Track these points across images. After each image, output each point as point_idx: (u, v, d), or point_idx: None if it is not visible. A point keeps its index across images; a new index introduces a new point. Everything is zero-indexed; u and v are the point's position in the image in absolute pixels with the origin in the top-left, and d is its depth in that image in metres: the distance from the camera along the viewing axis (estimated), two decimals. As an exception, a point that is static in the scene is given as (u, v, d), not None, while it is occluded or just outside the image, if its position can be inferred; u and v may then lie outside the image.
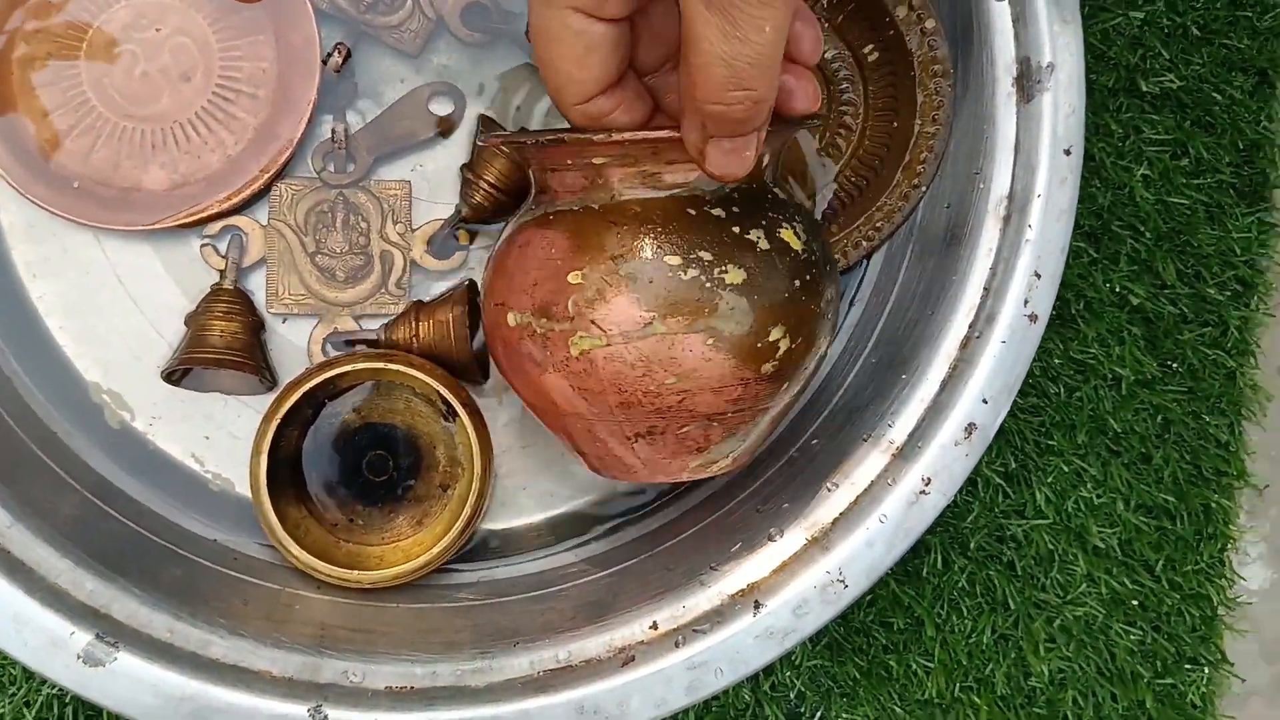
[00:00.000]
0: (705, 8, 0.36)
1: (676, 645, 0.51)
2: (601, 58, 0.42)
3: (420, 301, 0.59)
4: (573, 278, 0.45)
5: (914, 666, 0.62)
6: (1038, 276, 0.53)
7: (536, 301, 0.46)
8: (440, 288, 0.60)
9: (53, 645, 0.49)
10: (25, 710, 0.58)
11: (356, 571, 0.55)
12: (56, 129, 0.58)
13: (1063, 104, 0.54)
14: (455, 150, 0.60)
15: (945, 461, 0.52)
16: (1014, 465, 0.63)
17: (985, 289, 0.54)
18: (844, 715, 0.62)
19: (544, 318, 0.46)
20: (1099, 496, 0.63)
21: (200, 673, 0.50)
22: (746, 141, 0.41)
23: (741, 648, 0.51)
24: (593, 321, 0.45)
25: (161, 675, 0.49)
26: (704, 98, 0.38)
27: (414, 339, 0.58)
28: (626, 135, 0.43)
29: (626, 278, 0.44)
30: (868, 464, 0.53)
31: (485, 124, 0.60)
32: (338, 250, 0.60)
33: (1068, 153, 0.54)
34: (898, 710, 0.62)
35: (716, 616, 0.52)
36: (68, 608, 0.50)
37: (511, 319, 0.47)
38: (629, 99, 0.44)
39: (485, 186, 0.59)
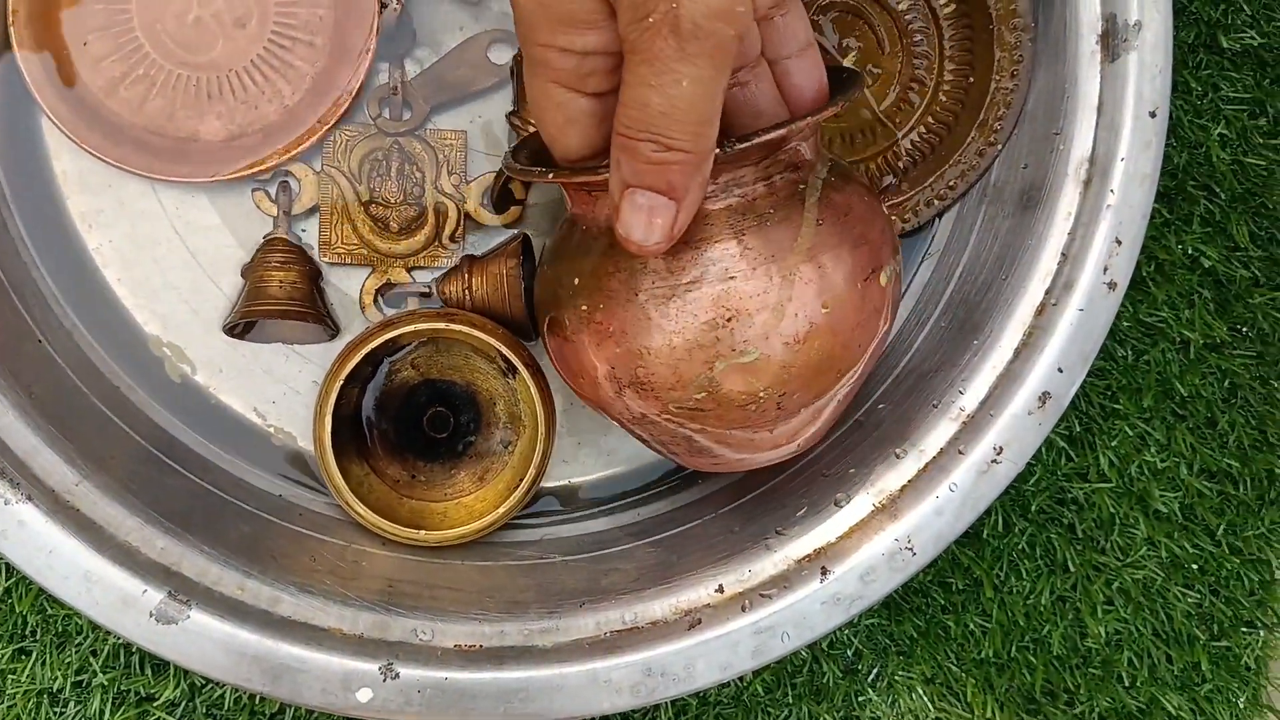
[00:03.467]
0: (632, 53, 0.37)
1: (743, 609, 0.51)
2: (581, 129, 0.42)
3: (472, 256, 0.59)
4: None
5: (971, 626, 0.62)
6: (1118, 243, 0.52)
7: None
8: (495, 243, 0.59)
9: (124, 603, 0.49)
10: (91, 659, 0.59)
11: (423, 531, 0.55)
12: (109, 76, 0.56)
13: (1149, 64, 0.52)
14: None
15: (1017, 431, 0.52)
16: (1078, 429, 0.63)
17: (1063, 254, 0.53)
18: (900, 673, 0.62)
19: None
20: (1162, 461, 0.63)
21: (272, 630, 0.50)
22: (662, 207, 0.39)
23: (808, 613, 0.51)
24: None
25: (234, 633, 0.49)
26: (615, 129, 0.38)
27: (466, 292, 0.57)
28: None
29: None
30: (937, 432, 0.53)
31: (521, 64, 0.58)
32: (391, 200, 0.59)
33: (1153, 115, 0.52)
34: (954, 669, 0.62)
35: (783, 581, 0.52)
36: (138, 565, 0.50)
37: None
38: None
39: (534, 131, 0.57)
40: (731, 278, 0.43)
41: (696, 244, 0.43)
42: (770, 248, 0.43)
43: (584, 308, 0.45)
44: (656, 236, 0.40)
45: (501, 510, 0.55)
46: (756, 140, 0.40)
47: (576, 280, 0.45)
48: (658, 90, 0.37)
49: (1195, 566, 0.64)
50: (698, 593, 0.52)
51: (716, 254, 0.43)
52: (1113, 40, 0.52)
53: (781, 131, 0.41)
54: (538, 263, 0.51)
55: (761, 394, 0.44)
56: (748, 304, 0.43)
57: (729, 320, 0.43)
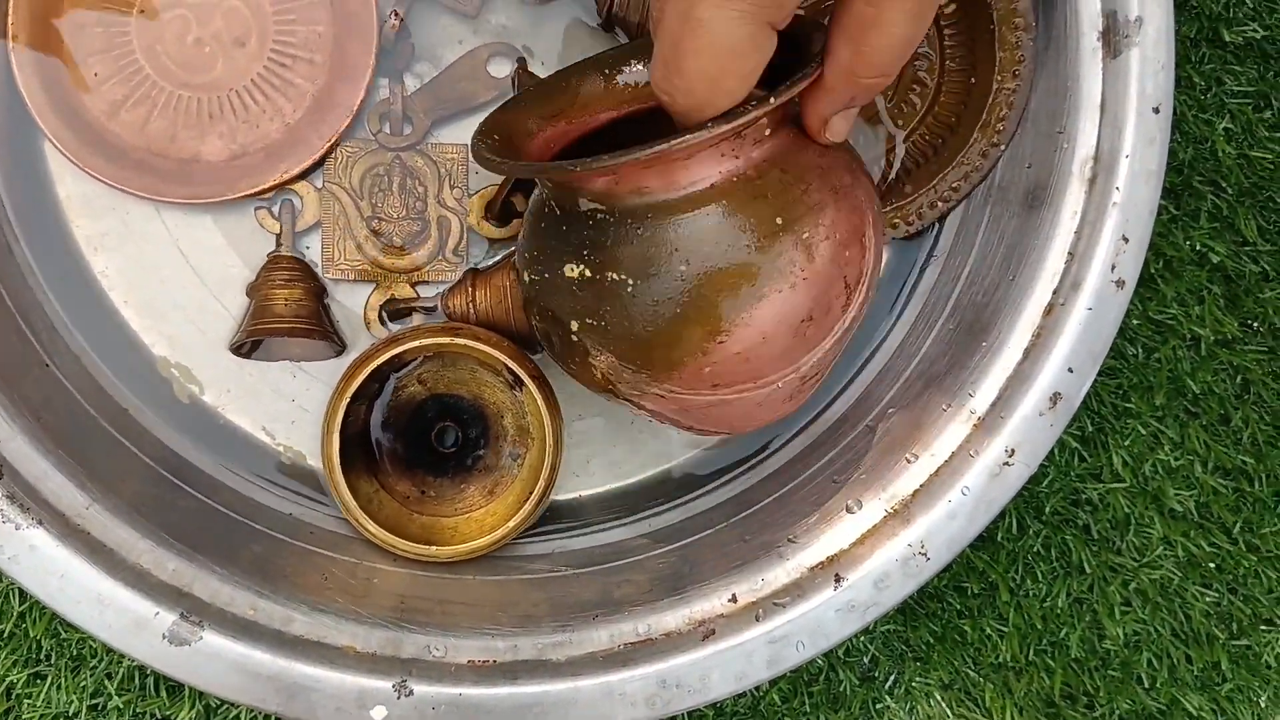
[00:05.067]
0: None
1: (757, 619, 0.51)
2: (760, 68, 0.40)
3: (475, 269, 0.59)
4: None
5: (988, 630, 0.62)
6: (1125, 240, 0.52)
7: None
8: (498, 256, 0.59)
9: (137, 626, 0.49)
10: (107, 682, 0.59)
11: (434, 546, 0.55)
12: (111, 99, 0.57)
13: (1151, 60, 0.52)
14: (516, 113, 0.59)
15: (1029, 432, 0.51)
16: (1090, 429, 0.62)
17: (1070, 254, 0.52)
18: (918, 679, 0.62)
19: None
20: (1176, 459, 0.63)
21: (285, 650, 0.50)
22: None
23: (823, 621, 0.51)
24: None
25: (247, 653, 0.49)
26: (871, 72, 0.40)
27: (470, 306, 0.57)
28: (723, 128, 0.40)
29: None
30: (948, 434, 0.52)
31: (525, 76, 0.58)
32: (394, 215, 0.59)
33: (1156, 111, 0.52)
34: (971, 674, 0.62)
35: (796, 590, 0.52)
36: (150, 588, 0.50)
37: None
38: None
39: (536, 143, 0.57)
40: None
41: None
42: None
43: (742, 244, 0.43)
44: (850, 128, 0.45)
45: (512, 524, 0.55)
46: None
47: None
48: (917, 22, 0.39)
49: (1213, 565, 0.63)
50: (711, 603, 0.52)
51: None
52: (1114, 37, 0.52)
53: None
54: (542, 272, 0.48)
55: None
56: None
57: None
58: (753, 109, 0.40)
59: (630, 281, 0.43)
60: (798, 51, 0.43)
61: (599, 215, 0.44)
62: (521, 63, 0.58)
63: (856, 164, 0.46)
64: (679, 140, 0.40)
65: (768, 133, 0.43)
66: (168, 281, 0.58)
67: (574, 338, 0.46)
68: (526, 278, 0.48)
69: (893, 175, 0.58)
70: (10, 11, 0.55)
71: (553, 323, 0.47)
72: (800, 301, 0.43)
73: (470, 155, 0.59)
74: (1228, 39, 0.62)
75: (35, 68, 0.56)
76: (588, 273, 0.44)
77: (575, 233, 0.45)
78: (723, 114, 0.40)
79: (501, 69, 0.59)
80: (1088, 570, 0.62)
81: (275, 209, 0.58)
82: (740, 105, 0.40)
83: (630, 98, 0.51)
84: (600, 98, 0.51)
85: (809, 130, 0.44)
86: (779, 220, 0.43)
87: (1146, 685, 0.63)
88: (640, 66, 0.51)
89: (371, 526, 0.55)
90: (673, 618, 0.52)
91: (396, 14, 0.57)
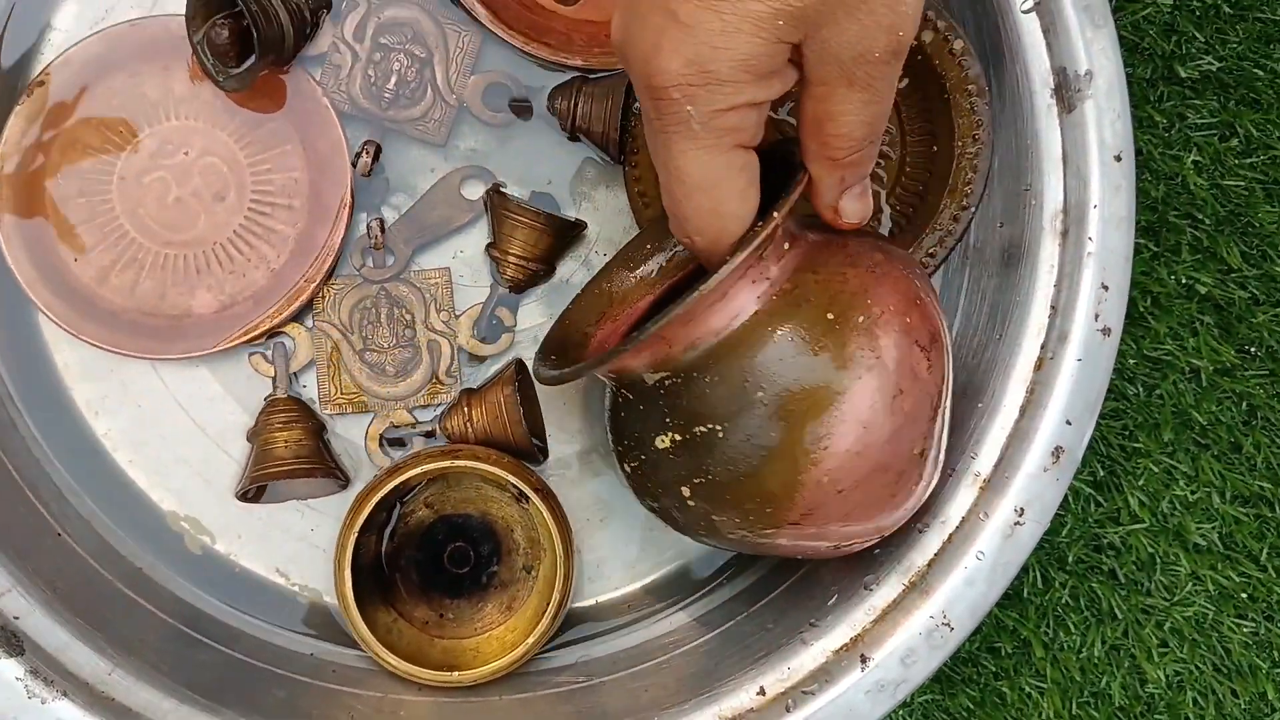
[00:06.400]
0: (848, 88, 0.40)
1: (788, 709, 0.50)
2: (755, 189, 0.42)
3: (469, 389, 0.59)
4: None
5: (1027, 689, 0.61)
6: (1105, 288, 0.52)
7: None
8: (491, 371, 0.60)
9: (169, 790, 0.49)
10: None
11: (457, 672, 0.55)
12: (99, 265, 0.58)
13: (1106, 110, 0.53)
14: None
15: (1036, 489, 0.51)
16: (1102, 473, 0.62)
17: (1053, 307, 0.53)
18: (961, 749, 0.61)
19: None
20: (1193, 492, 0.62)
21: (318, 798, 0.49)
22: (867, 183, 0.45)
23: (854, 704, 0.50)
24: None
25: (280, 806, 0.49)
26: (841, 154, 0.42)
27: (468, 425, 0.58)
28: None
29: None
30: (956, 500, 0.52)
31: (496, 197, 0.59)
32: (385, 345, 0.59)
33: (1118, 159, 0.52)
34: (1016, 738, 0.61)
35: (824, 675, 0.51)
36: (179, 750, 0.50)
37: None
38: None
39: (514, 260, 0.58)
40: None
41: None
42: None
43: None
44: (869, 207, 0.45)
45: (532, 639, 0.55)
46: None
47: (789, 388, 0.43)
48: (875, 104, 0.40)
49: (1245, 595, 0.62)
50: (739, 698, 0.51)
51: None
52: (1066, 92, 0.53)
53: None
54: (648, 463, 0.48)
55: None
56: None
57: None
58: (760, 230, 0.42)
59: (719, 428, 0.44)
60: (791, 168, 0.45)
61: (668, 382, 0.45)
62: (494, 185, 0.59)
63: (882, 239, 0.48)
64: (704, 286, 0.42)
65: (786, 246, 0.45)
66: (170, 436, 0.59)
67: (690, 503, 0.46)
68: (627, 468, 0.48)
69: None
70: (-7, 195, 0.57)
71: (667, 498, 0.47)
72: (885, 380, 0.44)
73: (452, 278, 0.60)
74: (1184, 75, 0.63)
75: (22, 243, 0.57)
76: (678, 437, 0.45)
77: (653, 407, 0.46)
78: (738, 243, 0.42)
79: (475, 191, 0.60)
80: (1120, 615, 0.62)
81: (269, 353, 0.59)
82: (752, 229, 0.42)
83: (659, 279, 0.55)
84: (633, 290, 0.55)
85: (827, 221, 0.45)
86: (830, 316, 0.44)
87: (1197, 726, 0.61)
88: (658, 253, 0.54)
89: (391, 659, 0.54)
90: (704, 718, 0.51)
91: (368, 151, 0.59)
